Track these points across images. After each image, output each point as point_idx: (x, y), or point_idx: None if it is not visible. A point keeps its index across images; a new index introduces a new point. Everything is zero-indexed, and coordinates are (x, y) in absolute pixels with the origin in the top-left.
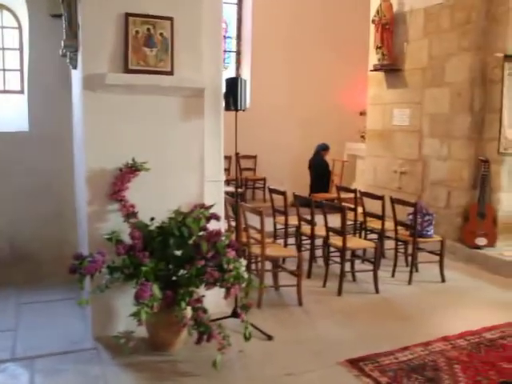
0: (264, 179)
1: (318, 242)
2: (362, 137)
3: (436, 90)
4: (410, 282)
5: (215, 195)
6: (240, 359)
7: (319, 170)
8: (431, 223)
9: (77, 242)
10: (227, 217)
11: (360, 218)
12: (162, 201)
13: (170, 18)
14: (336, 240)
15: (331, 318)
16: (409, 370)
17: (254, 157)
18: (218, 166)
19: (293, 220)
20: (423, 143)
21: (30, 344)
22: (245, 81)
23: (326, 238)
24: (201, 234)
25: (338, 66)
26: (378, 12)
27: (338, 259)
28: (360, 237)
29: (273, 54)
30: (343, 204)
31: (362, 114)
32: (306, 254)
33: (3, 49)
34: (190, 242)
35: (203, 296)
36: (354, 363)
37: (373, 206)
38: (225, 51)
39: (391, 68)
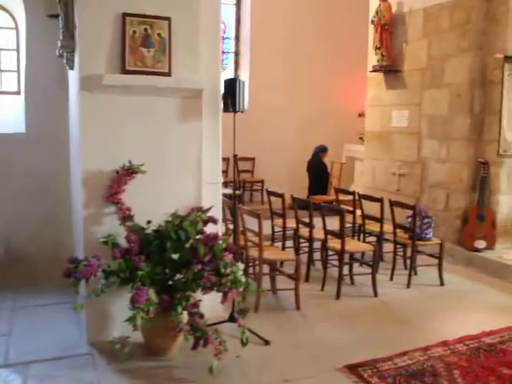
0: (262, 181)
1: (316, 244)
2: (361, 138)
3: (435, 91)
4: (408, 285)
5: (213, 197)
6: (237, 365)
7: (317, 172)
8: (430, 226)
9: (73, 245)
10: (225, 219)
11: (358, 221)
12: (159, 203)
13: (168, 18)
14: (334, 243)
15: (329, 322)
16: (408, 376)
17: (252, 159)
18: (216, 168)
19: (291, 223)
20: (422, 145)
21: (23, 349)
22: (243, 82)
23: (325, 241)
24: (198, 237)
25: (336, 67)
26: (377, 12)
27: (336, 262)
28: (358, 239)
29: (271, 55)
30: (342, 206)
31: (361, 115)
32: (304, 257)
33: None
34: (187, 245)
35: (200, 300)
36: (353, 369)
37: (371, 208)
38: (223, 52)
39: (390, 69)
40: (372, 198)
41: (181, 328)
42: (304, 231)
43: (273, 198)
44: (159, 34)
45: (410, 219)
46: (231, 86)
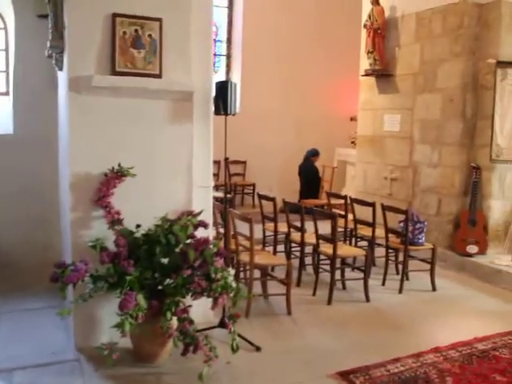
0: (253, 185)
1: (308, 249)
2: (353, 142)
3: (428, 96)
4: (400, 290)
5: (204, 201)
6: (227, 371)
7: (309, 176)
8: (423, 231)
9: (61, 248)
10: (215, 223)
11: (350, 225)
12: (149, 207)
13: (159, 19)
14: (326, 248)
15: (321, 328)
16: (400, 383)
17: (244, 162)
18: (207, 172)
19: (282, 227)
20: (414, 149)
21: (8, 355)
22: (235, 84)
23: (316, 246)
24: (188, 241)
25: (328, 70)
26: (369, 17)
27: (327, 267)
28: (350, 244)
29: (263, 58)
30: (333, 210)
31: (353, 119)
32: (295, 262)
33: None
34: (177, 250)
35: (190, 306)
36: (345, 376)
37: (362, 212)
38: (215, 55)
39: (383, 73)
40: (364, 203)
41: (170, 334)
42: (295, 235)
43: (264, 202)
44: (150, 35)
45: (402, 224)
46: (223, 88)
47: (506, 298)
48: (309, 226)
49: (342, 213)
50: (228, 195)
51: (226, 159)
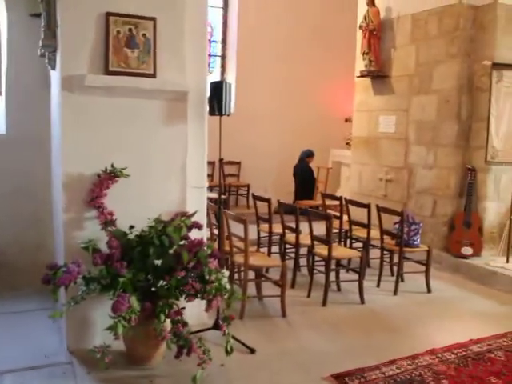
0: (248, 186)
1: (303, 250)
2: (348, 144)
3: (423, 97)
4: (395, 292)
5: (198, 202)
6: (221, 374)
7: (304, 177)
8: (418, 232)
9: (54, 249)
10: (210, 224)
11: (345, 226)
12: (142, 208)
13: (153, 19)
14: (321, 249)
15: (316, 330)
16: None
17: (238, 163)
18: (201, 172)
19: (277, 228)
20: (409, 151)
21: None
22: (230, 85)
23: (311, 247)
24: (182, 243)
25: (323, 71)
26: (365, 18)
27: (322, 268)
28: (345, 245)
29: (258, 59)
30: (328, 212)
31: (348, 120)
32: (290, 263)
33: None
34: (171, 251)
35: (183, 308)
36: (340, 378)
37: (357, 213)
38: (210, 55)
39: (378, 74)
40: (359, 204)
41: (164, 336)
42: (290, 237)
43: (259, 203)
44: (144, 35)
45: (397, 225)
46: (217, 88)
47: (500, 300)
48: (304, 227)
49: (337, 214)
50: (222, 196)
51: (221, 160)
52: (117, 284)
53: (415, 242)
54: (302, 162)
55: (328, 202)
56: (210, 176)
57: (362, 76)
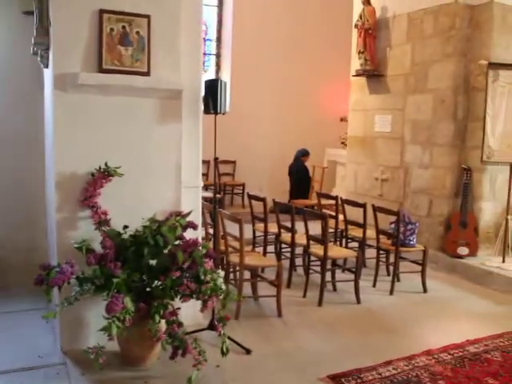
0: (243, 185)
1: (299, 250)
2: (343, 143)
3: (419, 97)
4: (391, 292)
5: (192, 201)
6: (216, 375)
7: (299, 176)
8: (414, 232)
9: (47, 249)
10: (205, 224)
11: (341, 226)
12: (137, 208)
13: (147, 16)
14: (317, 249)
15: (312, 330)
16: None
17: (233, 162)
18: (196, 171)
19: (272, 227)
20: (405, 150)
21: None
22: (225, 83)
23: (307, 247)
24: (177, 243)
25: (319, 70)
26: (360, 17)
27: (318, 268)
28: (341, 245)
29: (253, 58)
30: (324, 211)
31: (343, 119)
32: (285, 263)
33: None
34: (166, 251)
35: (178, 308)
36: (336, 379)
37: (353, 213)
38: (205, 54)
39: (374, 73)
40: (355, 204)
41: (158, 337)
42: (286, 236)
43: (254, 202)
44: (138, 32)
45: (393, 225)
46: (212, 86)
47: (496, 300)
48: (299, 226)
49: (333, 213)
50: (217, 195)
51: (216, 159)
52: (111, 284)
53: (411, 242)
54: (298, 161)
55: (323, 201)
56: (205, 175)
57: (357, 75)
